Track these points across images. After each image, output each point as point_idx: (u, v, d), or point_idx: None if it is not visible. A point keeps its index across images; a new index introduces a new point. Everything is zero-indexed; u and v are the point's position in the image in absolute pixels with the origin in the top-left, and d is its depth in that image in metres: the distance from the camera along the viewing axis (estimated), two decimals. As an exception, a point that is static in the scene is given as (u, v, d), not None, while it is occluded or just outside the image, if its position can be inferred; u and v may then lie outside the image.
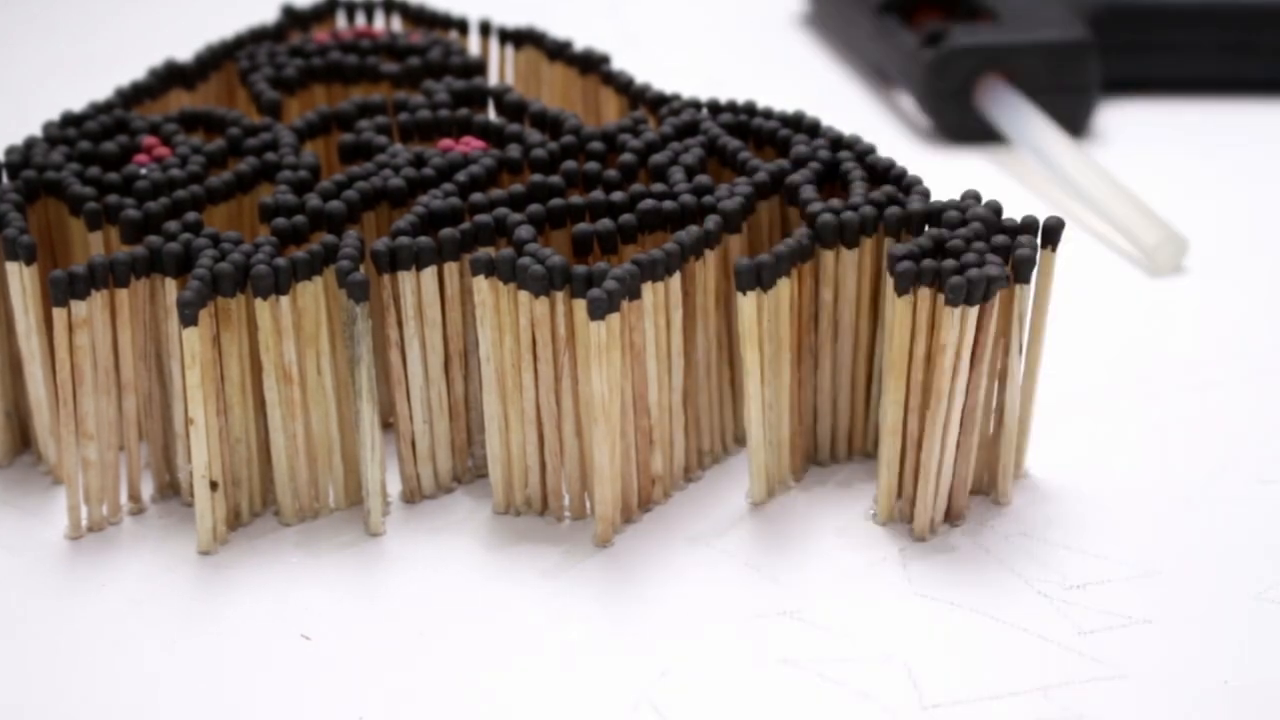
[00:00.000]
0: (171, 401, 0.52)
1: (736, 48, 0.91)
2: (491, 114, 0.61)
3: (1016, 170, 0.75)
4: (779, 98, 0.62)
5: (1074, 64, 0.77)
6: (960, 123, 0.77)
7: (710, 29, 0.93)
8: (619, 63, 0.65)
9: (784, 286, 0.51)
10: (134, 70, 0.64)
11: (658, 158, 0.55)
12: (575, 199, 0.54)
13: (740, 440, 0.55)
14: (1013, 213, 0.52)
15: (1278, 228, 0.72)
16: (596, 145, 0.57)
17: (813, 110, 0.58)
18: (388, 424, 0.55)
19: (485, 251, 0.51)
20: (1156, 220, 0.68)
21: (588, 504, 0.52)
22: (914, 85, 0.79)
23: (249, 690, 0.46)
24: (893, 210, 0.53)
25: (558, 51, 0.65)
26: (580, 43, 0.66)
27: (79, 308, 0.50)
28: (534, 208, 0.53)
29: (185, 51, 0.65)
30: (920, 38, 0.79)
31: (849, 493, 0.54)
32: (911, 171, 0.54)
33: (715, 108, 0.59)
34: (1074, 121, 0.77)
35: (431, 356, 0.52)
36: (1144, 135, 0.79)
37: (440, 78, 0.63)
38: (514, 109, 0.60)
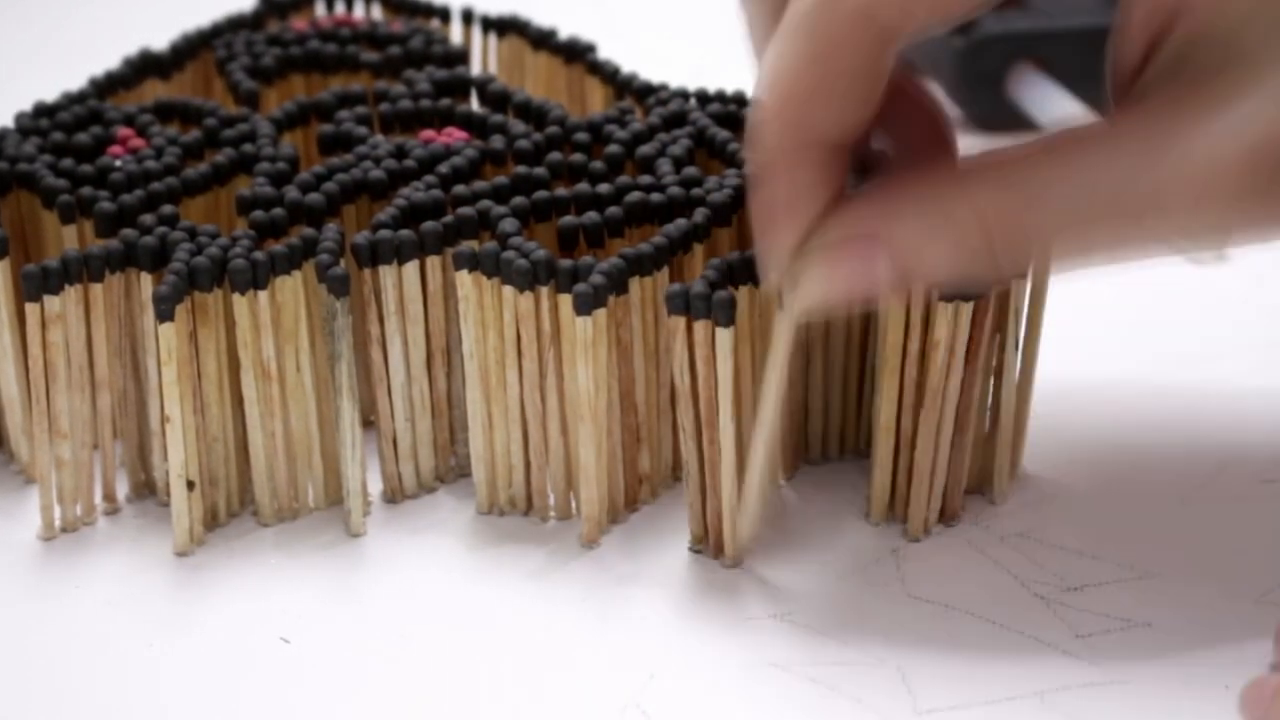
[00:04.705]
0: (147, 399, 0.52)
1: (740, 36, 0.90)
2: (474, 104, 0.61)
3: None
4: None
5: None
6: (992, 112, 0.76)
7: (712, 16, 0.92)
8: (604, 52, 0.64)
9: (775, 281, 0.51)
10: (108, 59, 0.64)
11: (645, 149, 0.55)
12: (560, 191, 0.53)
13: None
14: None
15: None
16: (582, 136, 0.56)
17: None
18: (368, 422, 0.55)
19: (468, 245, 0.51)
20: None
21: (573, 504, 0.52)
22: (943, 74, 0.78)
23: (227, 695, 0.46)
24: (885, 203, 0.52)
25: (542, 40, 0.65)
26: (565, 31, 0.65)
27: (52, 303, 0.50)
28: (518, 200, 0.53)
29: (161, 40, 0.65)
30: None
31: (841, 492, 0.53)
32: None
33: (704, 98, 0.59)
34: (1109, 110, 0.76)
35: (413, 353, 0.52)
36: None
37: (422, 67, 0.63)
38: (497, 99, 0.60)
